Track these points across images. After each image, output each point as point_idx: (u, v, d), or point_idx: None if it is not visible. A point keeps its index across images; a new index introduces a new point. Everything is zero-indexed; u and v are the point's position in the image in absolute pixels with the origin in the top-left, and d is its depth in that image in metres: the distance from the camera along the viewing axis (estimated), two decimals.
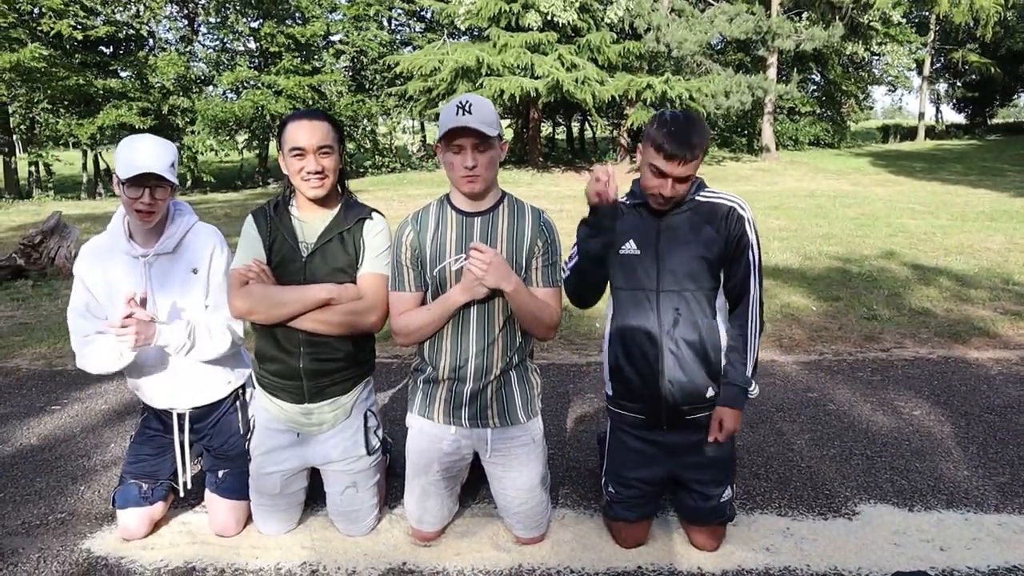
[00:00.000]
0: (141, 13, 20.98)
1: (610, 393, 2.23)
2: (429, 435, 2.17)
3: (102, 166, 22.20)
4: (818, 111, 30.08)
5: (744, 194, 9.49)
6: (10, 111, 19.75)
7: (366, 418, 2.27)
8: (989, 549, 2.20)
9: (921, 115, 34.06)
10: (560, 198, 13.42)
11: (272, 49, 22.82)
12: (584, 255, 2.02)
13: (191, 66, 22.65)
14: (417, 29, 27.62)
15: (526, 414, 2.16)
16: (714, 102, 18.60)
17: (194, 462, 2.44)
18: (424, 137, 28.24)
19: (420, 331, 2.07)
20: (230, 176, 24.31)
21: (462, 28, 20.90)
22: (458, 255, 2.03)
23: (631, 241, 2.08)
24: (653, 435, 2.15)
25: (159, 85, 21.26)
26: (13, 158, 20.64)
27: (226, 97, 23.35)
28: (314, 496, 2.42)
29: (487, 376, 2.08)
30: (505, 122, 24.01)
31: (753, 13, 20.20)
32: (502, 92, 16.94)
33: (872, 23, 24.76)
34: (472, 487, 2.50)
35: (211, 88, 23.70)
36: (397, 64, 19.50)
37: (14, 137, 21.04)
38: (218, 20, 23.78)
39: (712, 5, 20.83)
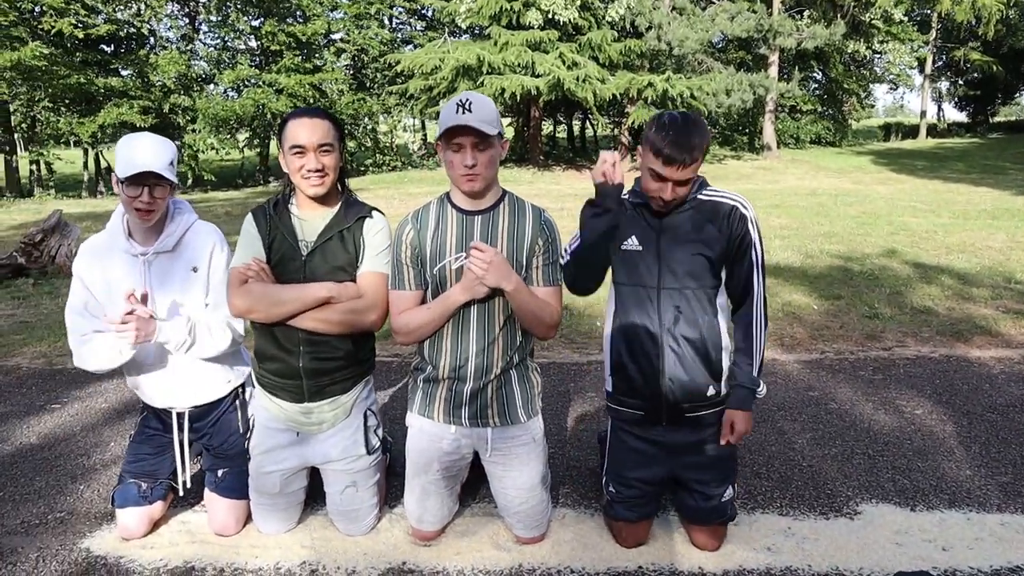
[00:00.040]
0: (142, 11, 21.01)
1: (610, 389, 2.22)
2: (429, 434, 2.17)
3: (103, 164, 22.24)
4: (819, 109, 30.08)
5: (745, 192, 9.46)
6: (11, 109, 19.80)
7: (366, 417, 2.27)
8: (992, 549, 2.19)
9: (923, 113, 34.07)
10: (561, 196, 13.38)
11: (273, 47, 22.85)
12: (587, 238, 2.01)
13: (192, 64, 22.69)
14: (418, 27, 27.65)
15: (526, 413, 2.16)
16: (715, 100, 18.63)
17: (193, 461, 2.44)
18: (425, 135, 28.25)
19: (420, 330, 2.06)
20: (231, 175, 24.33)
21: (463, 26, 20.88)
22: (458, 254, 2.02)
23: (633, 237, 2.07)
24: (654, 434, 2.15)
25: (160, 83, 21.30)
26: (14, 156, 20.69)
27: (227, 95, 23.39)
28: (314, 495, 2.42)
29: (487, 375, 2.07)
30: (506, 120, 24.03)
31: (754, 11, 20.16)
32: (503, 90, 16.95)
33: (874, 21, 24.77)
34: (472, 487, 2.49)
35: (212, 86, 23.73)
36: (398, 62, 19.53)
37: (15, 136, 21.06)
38: (219, 18, 23.82)
39: (713, 3, 20.80)
